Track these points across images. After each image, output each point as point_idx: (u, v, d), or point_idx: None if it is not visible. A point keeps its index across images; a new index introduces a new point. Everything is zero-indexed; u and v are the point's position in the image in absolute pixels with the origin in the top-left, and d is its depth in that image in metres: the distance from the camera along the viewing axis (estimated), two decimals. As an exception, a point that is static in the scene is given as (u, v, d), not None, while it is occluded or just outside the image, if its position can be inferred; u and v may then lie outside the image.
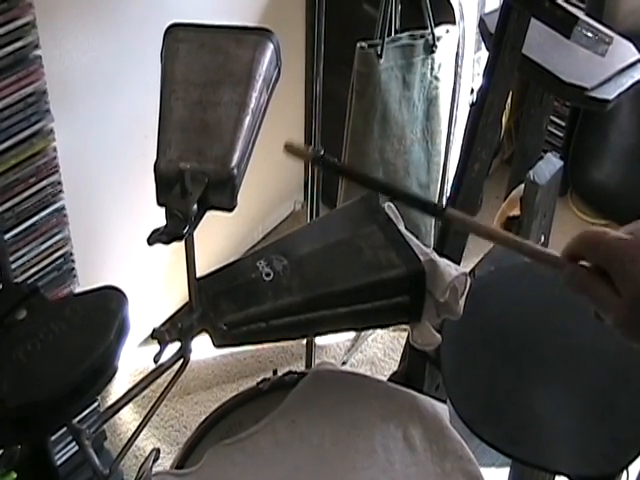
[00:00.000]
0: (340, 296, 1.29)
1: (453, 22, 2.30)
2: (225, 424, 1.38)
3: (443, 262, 1.30)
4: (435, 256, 1.31)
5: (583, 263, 0.91)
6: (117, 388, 2.27)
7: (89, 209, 2.15)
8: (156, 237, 1.14)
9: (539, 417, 1.52)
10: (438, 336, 1.36)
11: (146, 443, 2.31)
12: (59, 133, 1.78)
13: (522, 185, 2.00)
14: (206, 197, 1.17)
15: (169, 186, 1.16)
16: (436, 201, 2.46)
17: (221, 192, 1.19)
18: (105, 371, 1.09)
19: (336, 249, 1.33)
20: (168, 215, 1.15)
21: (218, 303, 1.25)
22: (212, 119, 1.23)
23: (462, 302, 1.32)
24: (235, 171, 1.19)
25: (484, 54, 2.35)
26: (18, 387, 1.06)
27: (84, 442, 1.15)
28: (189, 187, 1.15)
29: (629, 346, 0.89)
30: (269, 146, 2.53)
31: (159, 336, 1.22)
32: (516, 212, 2.04)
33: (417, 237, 1.39)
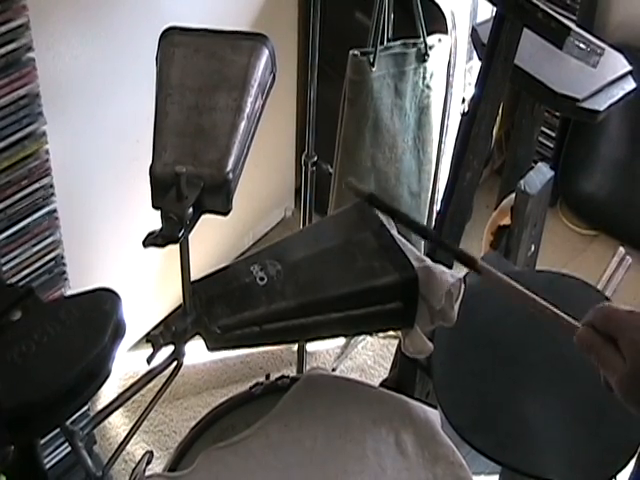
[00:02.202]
0: (333, 302, 1.29)
1: (445, 31, 2.31)
2: (218, 427, 1.38)
3: (439, 268, 1.31)
4: (430, 262, 1.32)
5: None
6: (107, 392, 2.27)
7: (81, 212, 2.15)
8: (151, 240, 1.14)
9: (529, 424, 1.53)
10: (430, 344, 1.36)
11: (135, 447, 2.30)
12: (51, 136, 1.78)
13: (513, 195, 2.01)
14: (201, 201, 1.18)
15: (165, 189, 1.17)
16: (427, 210, 2.47)
17: (216, 196, 1.19)
18: (99, 373, 1.09)
19: (330, 255, 1.33)
20: (164, 218, 1.15)
21: (212, 307, 1.26)
22: (208, 123, 1.24)
23: (457, 308, 1.32)
24: (230, 175, 1.19)
25: (476, 64, 2.37)
26: (13, 388, 1.06)
27: (77, 444, 1.16)
28: (185, 191, 1.15)
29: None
30: (261, 152, 2.54)
31: (153, 339, 1.22)
32: (507, 221, 2.05)
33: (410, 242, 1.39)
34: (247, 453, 1.29)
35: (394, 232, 1.37)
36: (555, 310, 1.04)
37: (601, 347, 0.97)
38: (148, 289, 2.46)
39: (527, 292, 1.05)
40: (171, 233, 1.14)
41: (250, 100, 1.27)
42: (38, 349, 1.08)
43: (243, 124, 1.24)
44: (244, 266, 1.30)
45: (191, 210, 1.16)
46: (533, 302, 1.05)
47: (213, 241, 2.58)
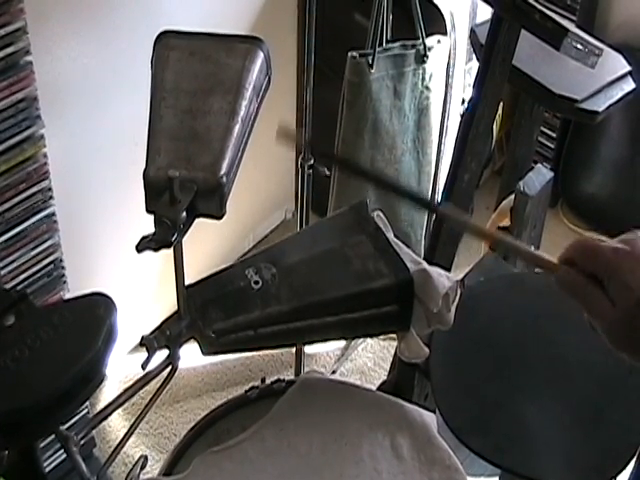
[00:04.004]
0: (328, 305, 1.29)
1: (444, 33, 2.31)
2: (213, 432, 1.38)
3: (436, 272, 1.30)
4: (427, 265, 1.31)
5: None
6: (107, 395, 2.26)
7: (79, 215, 2.15)
8: (145, 244, 1.14)
9: (528, 427, 1.53)
10: (426, 349, 1.36)
11: (135, 450, 2.30)
12: (50, 139, 1.78)
13: (512, 196, 2.00)
14: (195, 205, 1.18)
15: (158, 193, 1.17)
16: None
17: (210, 200, 1.19)
18: (93, 378, 1.10)
19: (325, 258, 1.33)
20: (157, 222, 1.15)
21: (207, 311, 1.25)
22: (202, 127, 1.23)
23: (453, 310, 1.32)
24: (224, 179, 1.19)
25: (475, 64, 2.36)
26: (5, 393, 1.06)
27: (72, 448, 1.16)
28: (178, 195, 1.15)
29: (617, 357, 0.89)
30: (260, 155, 2.53)
31: (147, 343, 1.22)
32: (506, 223, 2.05)
33: (407, 246, 1.39)
34: (242, 457, 1.29)
35: (390, 235, 1.37)
36: (531, 250, 0.95)
37: (587, 288, 0.88)
38: (148, 292, 2.46)
39: (498, 232, 0.99)
40: (164, 237, 1.14)
41: (244, 103, 1.27)
42: (31, 354, 1.09)
43: (237, 127, 1.24)
44: (239, 270, 1.30)
45: (184, 214, 1.16)
46: (506, 242, 0.98)
47: (213, 243, 2.58)
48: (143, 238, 1.14)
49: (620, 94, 1.88)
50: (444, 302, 1.32)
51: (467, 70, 2.44)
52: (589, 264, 0.88)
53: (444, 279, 1.32)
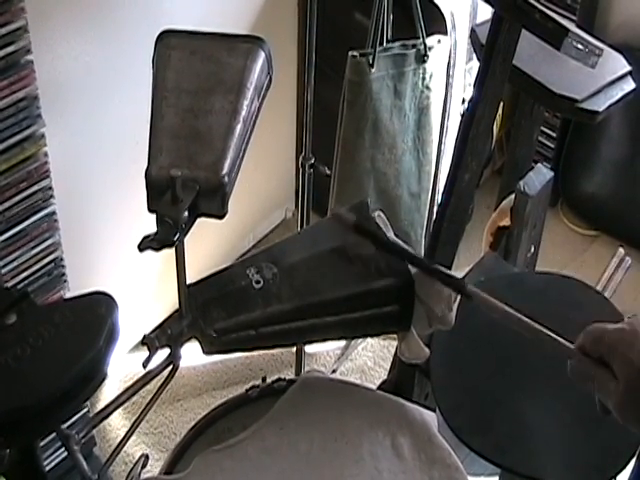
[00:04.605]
0: (329, 305, 1.29)
1: (445, 32, 2.31)
2: (214, 430, 1.38)
3: (439, 273, 1.30)
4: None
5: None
6: (107, 394, 2.27)
7: (80, 214, 2.15)
8: (147, 243, 1.14)
9: (528, 427, 1.53)
10: (426, 350, 1.36)
11: (136, 449, 2.30)
12: (50, 138, 1.78)
13: (512, 195, 2.00)
14: (197, 204, 1.18)
15: (160, 193, 1.17)
16: (427, 211, 2.47)
17: (212, 199, 1.19)
18: (94, 377, 1.10)
19: (326, 258, 1.33)
20: (159, 222, 1.15)
21: (208, 310, 1.26)
22: (203, 126, 1.24)
23: (455, 310, 1.32)
24: (226, 178, 1.19)
25: (476, 64, 2.36)
26: (7, 392, 1.06)
27: (73, 447, 1.16)
28: (180, 194, 1.15)
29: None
30: (261, 154, 2.54)
31: (149, 342, 1.22)
32: (506, 222, 2.05)
33: (408, 245, 1.39)
34: (243, 456, 1.29)
35: (391, 235, 1.37)
36: (550, 333, 1.02)
37: (595, 373, 0.95)
38: (148, 291, 2.46)
39: (520, 315, 1.04)
40: (166, 237, 1.14)
41: (246, 103, 1.27)
42: (33, 353, 1.08)
43: (239, 127, 1.24)
44: (240, 269, 1.30)
45: (186, 214, 1.16)
46: (527, 325, 1.04)
47: (214, 243, 2.58)
48: (145, 237, 1.14)
49: (620, 94, 1.88)
50: (446, 302, 1.32)
51: (467, 70, 2.44)
52: (597, 347, 0.95)
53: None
